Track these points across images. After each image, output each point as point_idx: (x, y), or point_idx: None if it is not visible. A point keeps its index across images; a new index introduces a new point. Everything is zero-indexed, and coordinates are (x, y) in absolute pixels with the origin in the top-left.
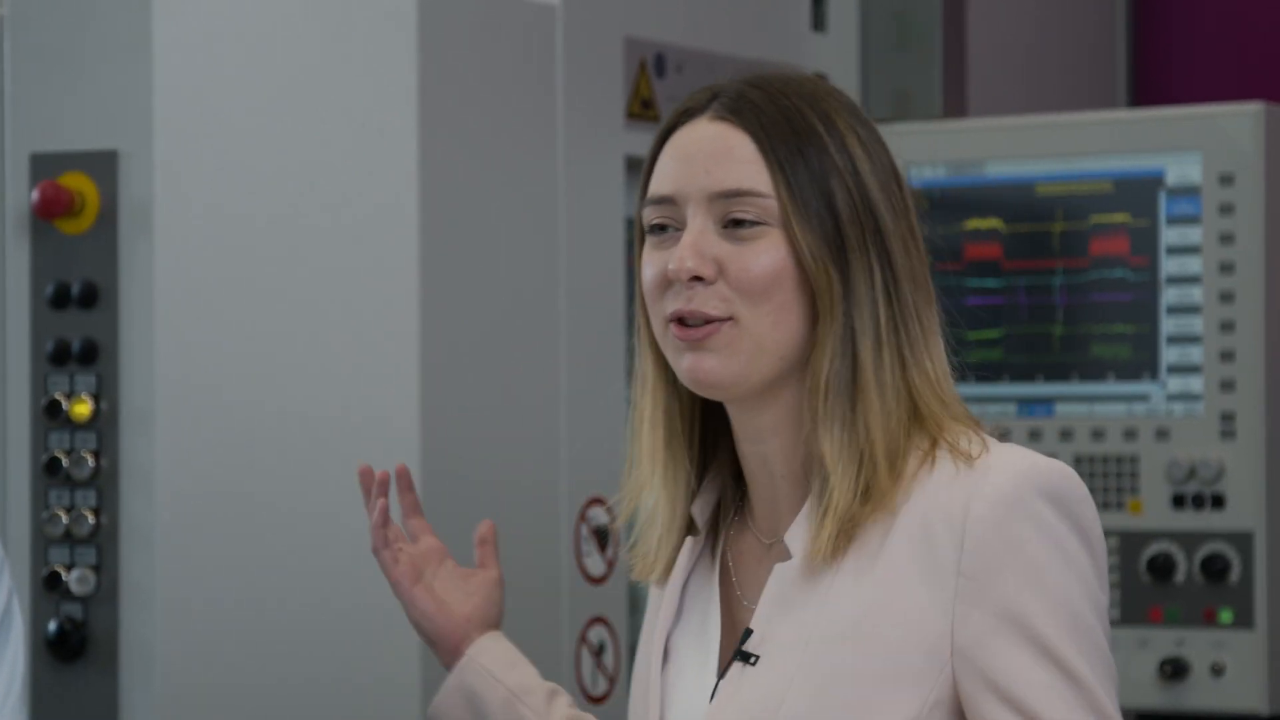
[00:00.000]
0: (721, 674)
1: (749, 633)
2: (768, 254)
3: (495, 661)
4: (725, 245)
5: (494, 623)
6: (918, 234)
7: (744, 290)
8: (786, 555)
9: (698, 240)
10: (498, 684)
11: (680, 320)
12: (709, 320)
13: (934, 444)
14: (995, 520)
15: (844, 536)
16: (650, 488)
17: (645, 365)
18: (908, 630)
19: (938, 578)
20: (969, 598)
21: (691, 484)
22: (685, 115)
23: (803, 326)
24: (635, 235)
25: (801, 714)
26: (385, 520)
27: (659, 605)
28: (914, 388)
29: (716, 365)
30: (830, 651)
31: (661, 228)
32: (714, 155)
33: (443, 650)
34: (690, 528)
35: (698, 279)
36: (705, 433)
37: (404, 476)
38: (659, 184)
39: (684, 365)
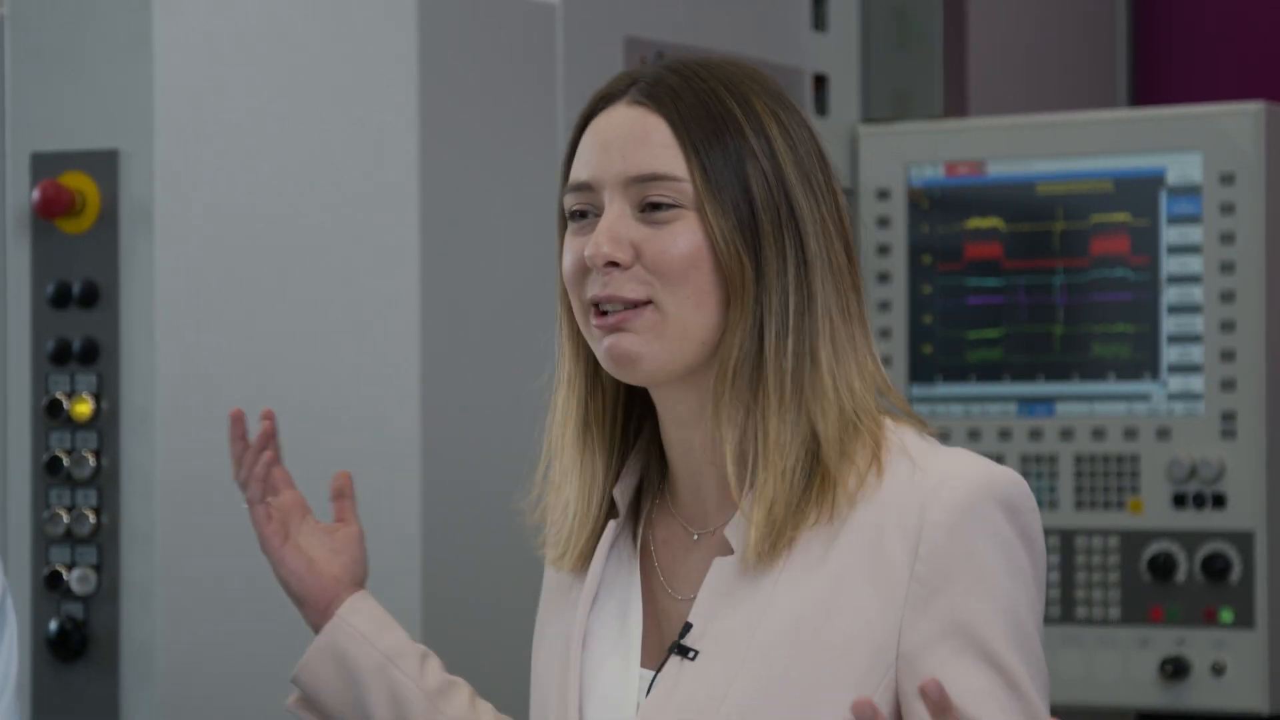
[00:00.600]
0: (658, 667)
1: (689, 626)
2: (683, 237)
3: (367, 623)
4: (642, 229)
5: (360, 581)
6: (845, 223)
7: (661, 273)
8: (720, 548)
9: (614, 225)
10: (371, 647)
11: (598, 308)
12: (628, 304)
13: (879, 445)
14: (951, 527)
15: (780, 536)
16: (573, 479)
17: (563, 361)
18: (854, 632)
19: (888, 581)
20: (919, 603)
21: (611, 469)
22: (604, 101)
23: (722, 310)
24: (557, 223)
25: (744, 710)
26: (265, 471)
27: (559, 587)
28: (823, 381)
29: (636, 345)
30: (774, 649)
31: (582, 214)
32: (630, 140)
33: (310, 610)
34: (611, 510)
35: (614, 264)
36: (629, 415)
37: (268, 424)
38: (578, 170)
39: (604, 348)
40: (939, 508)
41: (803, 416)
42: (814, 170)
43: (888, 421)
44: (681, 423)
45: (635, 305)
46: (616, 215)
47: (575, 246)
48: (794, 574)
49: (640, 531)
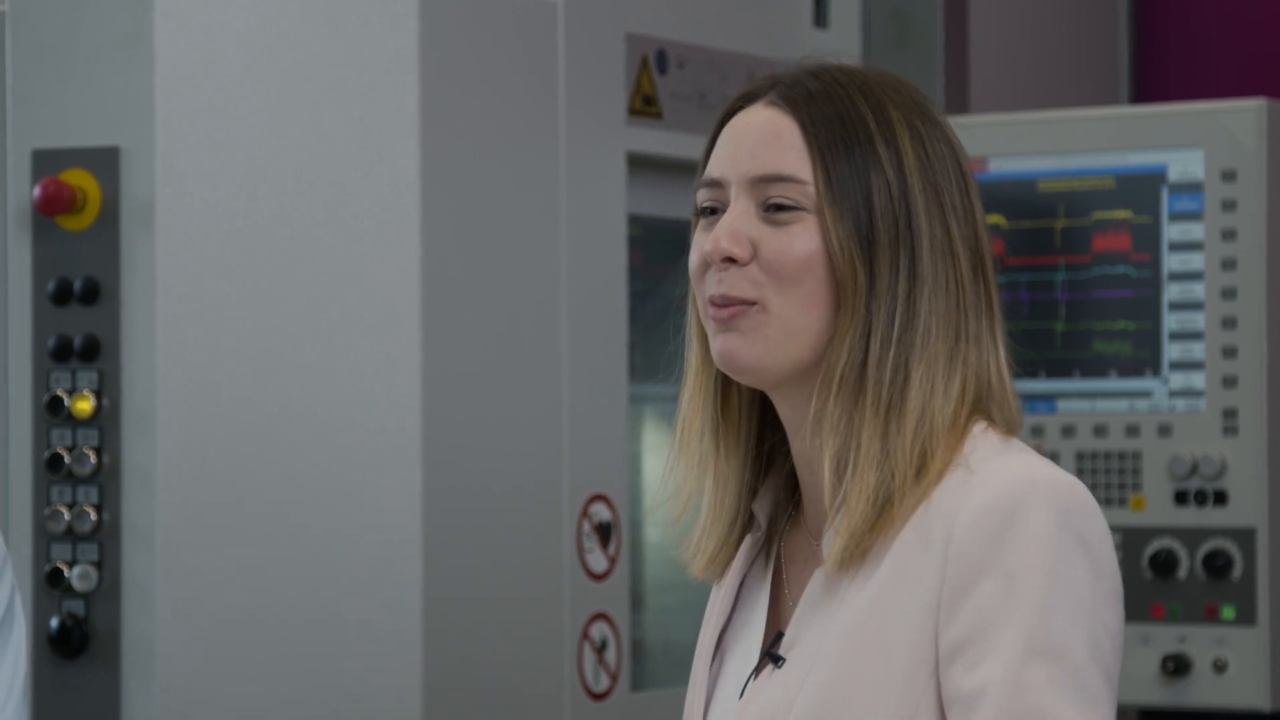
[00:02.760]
0: (756, 674)
1: (779, 635)
2: (800, 239)
3: None
4: (762, 228)
5: None
6: (980, 240)
7: (775, 273)
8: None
9: (735, 221)
10: None
11: (714, 302)
12: (739, 302)
13: (951, 452)
14: (979, 527)
15: (857, 548)
16: (693, 481)
17: (691, 355)
18: (900, 635)
19: (928, 584)
20: (950, 606)
21: (745, 478)
22: (744, 100)
23: (833, 316)
24: (691, 219)
25: (806, 717)
26: None
27: (715, 603)
28: (909, 400)
29: (741, 345)
30: (834, 656)
31: (712, 210)
32: (761, 140)
33: None
34: (750, 522)
35: (731, 260)
36: (763, 429)
37: None
38: (711, 166)
39: (716, 347)
40: (969, 509)
41: (890, 431)
42: (947, 186)
43: (975, 428)
44: (798, 432)
45: (742, 303)
46: (740, 212)
47: (701, 242)
48: (860, 581)
49: (776, 544)
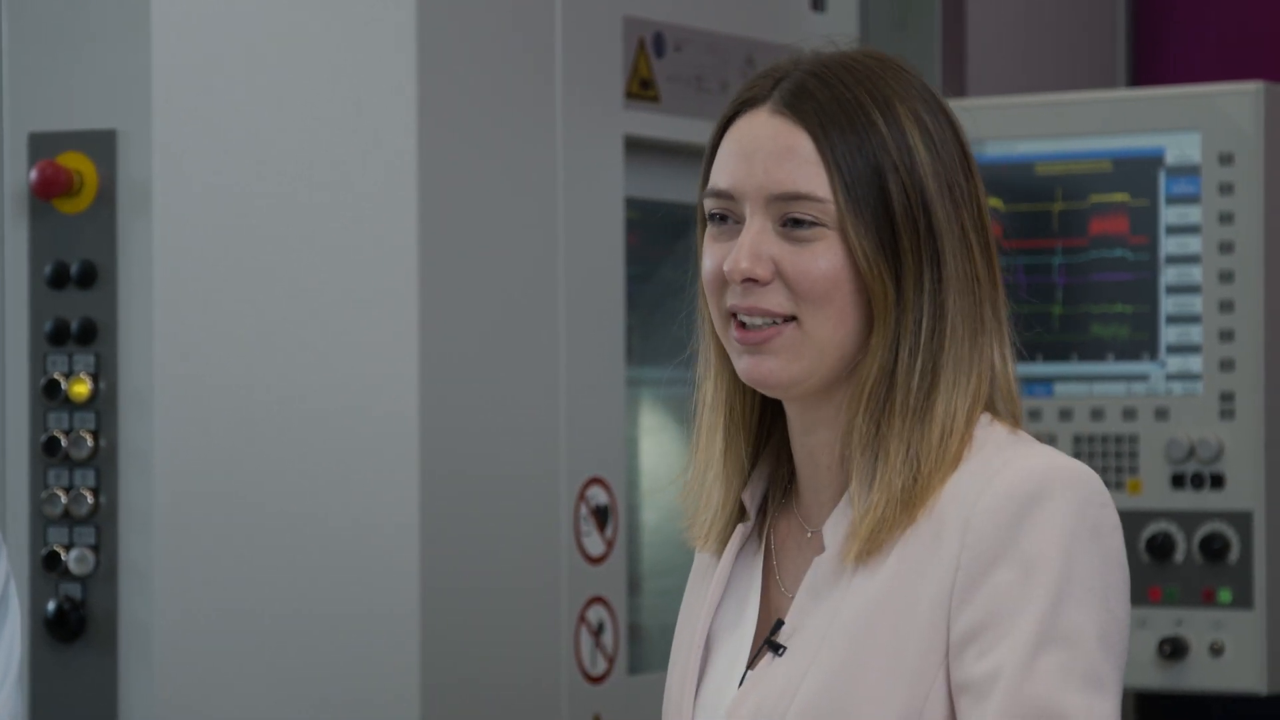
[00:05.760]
0: (752, 662)
1: (780, 623)
2: (825, 257)
3: None
4: (783, 246)
5: None
6: (986, 227)
7: (803, 293)
8: (824, 546)
9: (755, 241)
10: None
11: (738, 319)
12: (771, 318)
13: (964, 445)
14: (996, 515)
15: (878, 546)
16: (711, 466)
17: (708, 352)
18: (911, 624)
19: (942, 572)
20: (963, 592)
21: (745, 469)
22: (746, 104)
23: (862, 327)
24: (697, 220)
25: (809, 706)
26: None
27: (702, 572)
28: (936, 404)
29: (777, 367)
30: (841, 645)
31: (722, 218)
32: (774, 154)
33: None
34: (741, 513)
35: (753, 280)
36: (760, 420)
37: None
38: (719, 176)
39: (743, 365)
40: (989, 496)
41: (916, 435)
42: (956, 175)
43: (982, 419)
44: (809, 430)
45: (777, 321)
46: (758, 230)
47: (716, 253)
48: (868, 570)
49: (766, 531)
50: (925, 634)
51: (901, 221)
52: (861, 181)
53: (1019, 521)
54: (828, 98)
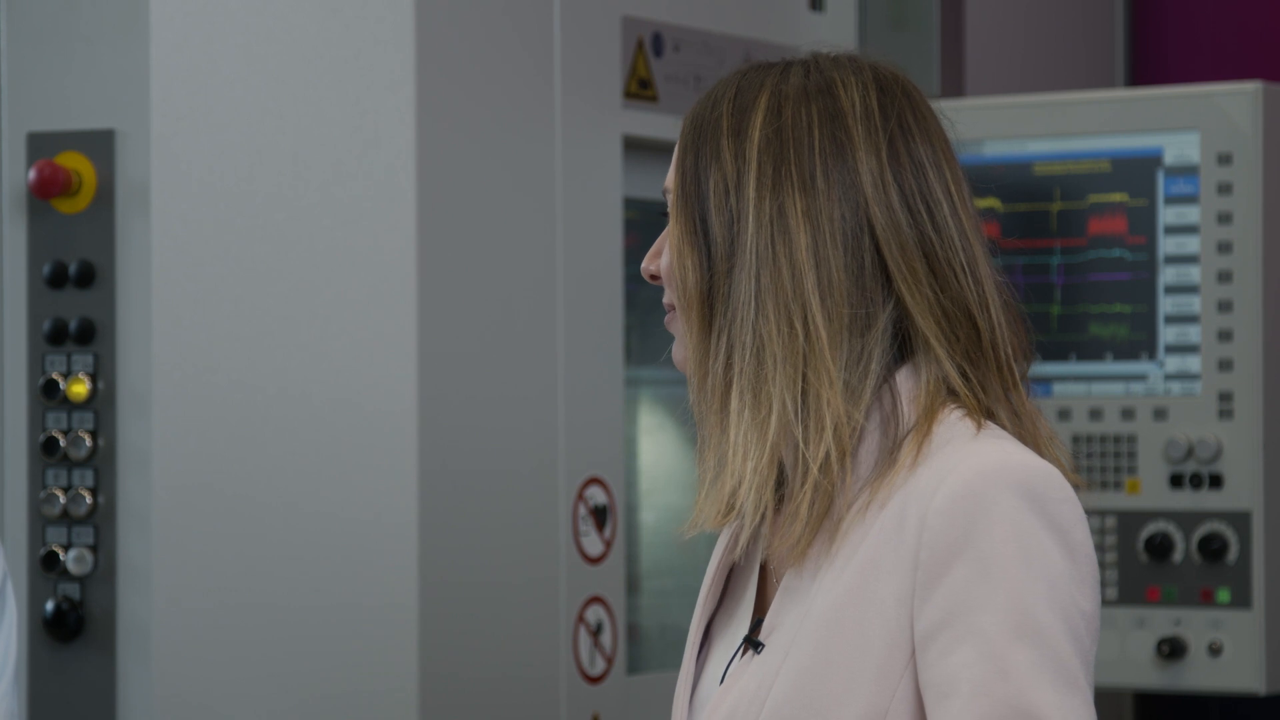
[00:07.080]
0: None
1: (759, 621)
2: (667, 249)
3: None
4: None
5: None
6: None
7: (666, 283)
8: None
9: (660, 238)
10: None
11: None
12: (667, 307)
13: (924, 438)
14: (951, 512)
15: (803, 549)
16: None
17: None
18: (875, 622)
19: (902, 570)
20: (924, 591)
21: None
22: None
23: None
24: None
25: (781, 703)
26: None
27: (720, 543)
28: (769, 394)
29: (677, 352)
30: (810, 642)
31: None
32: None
33: None
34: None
35: (653, 276)
36: None
37: None
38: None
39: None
40: (942, 494)
41: (767, 426)
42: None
43: (944, 414)
44: None
45: (671, 310)
46: (667, 228)
47: None
48: (836, 567)
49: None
50: (891, 632)
51: (716, 216)
52: (690, 179)
53: (973, 519)
54: (705, 102)
